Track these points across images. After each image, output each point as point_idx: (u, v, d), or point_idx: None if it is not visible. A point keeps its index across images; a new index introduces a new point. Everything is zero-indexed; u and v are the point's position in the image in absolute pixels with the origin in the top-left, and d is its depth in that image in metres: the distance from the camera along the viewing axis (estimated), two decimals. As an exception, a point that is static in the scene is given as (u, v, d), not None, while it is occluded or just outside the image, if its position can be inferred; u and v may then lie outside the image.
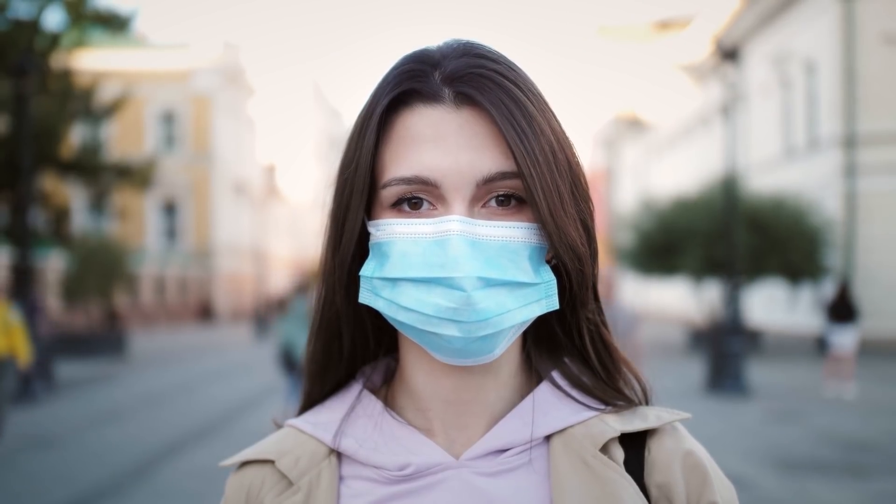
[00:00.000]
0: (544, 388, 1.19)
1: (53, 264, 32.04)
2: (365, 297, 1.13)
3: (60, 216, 30.70)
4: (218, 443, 12.34)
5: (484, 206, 1.09)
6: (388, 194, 1.10)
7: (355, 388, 1.24)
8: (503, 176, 1.08)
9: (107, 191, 32.10)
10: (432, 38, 1.21)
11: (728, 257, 19.21)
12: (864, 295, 25.60)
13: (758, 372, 19.70)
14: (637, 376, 1.24)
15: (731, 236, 18.98)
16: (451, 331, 1.06)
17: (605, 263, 47.04)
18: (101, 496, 9.54)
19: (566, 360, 1.22)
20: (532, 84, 1.14)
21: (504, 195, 1.10)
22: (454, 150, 1.08)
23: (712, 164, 35.26)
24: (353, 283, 1.17)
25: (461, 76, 1.10)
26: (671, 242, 27.13)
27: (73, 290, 29.13)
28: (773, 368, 21.70)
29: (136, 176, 30.73)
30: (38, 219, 25.45)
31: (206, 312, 53.89)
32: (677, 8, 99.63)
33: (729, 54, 19.18)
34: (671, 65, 47.20)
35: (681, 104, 47.36)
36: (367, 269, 1.13)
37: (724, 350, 17.44)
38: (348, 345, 1.23)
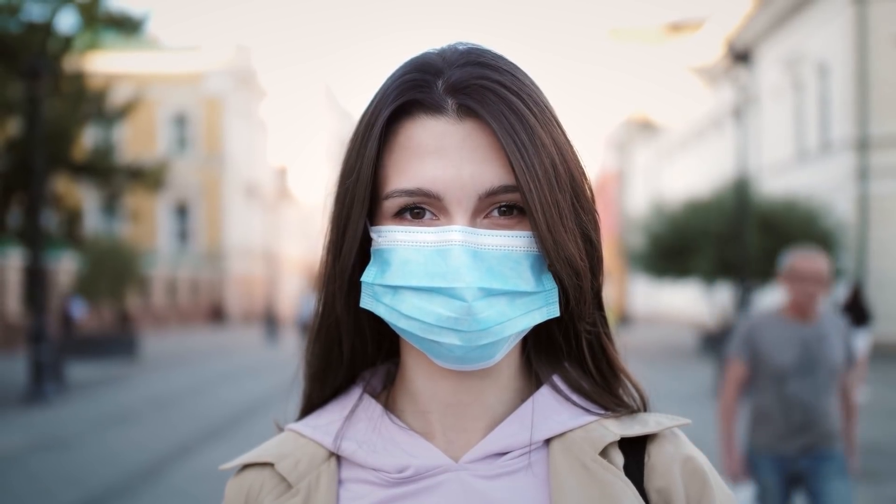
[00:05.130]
0: (544, 392, 1.20)
1: (66, 266, 32.16)
2: (366, 303, 1.14)
3: (73, 218, 30.81)
4: (227, 445, 12.36)
5: (486, 216, 1.10)
6: (391, 205, 1.11)
7: (355, 393, 1.25)
8: (505, 189, 1.08)
9: (119, 193, 32.21)
10: (442, 40, 1.20)
11: (740, 260, 19.17)
12: (877, 298, 25.49)
13: (769, 375, 19.60)
14: (635, 384, 1.24)
15: (743, 239, 18.95)
16: (451, 339, 1.07)
17: (617, 267, 47.05)
18: (110, 497, 9.57)
19: (566, 364, 1.23)
20: (536, 94, 1.14)
21: (506, 205, 1.10)
22: (457, 162, 1.08)
23: (724, 167, 35.18)
24: (353, 290, 1.17)
25: (464, 87, 1.10)
26: (683, 245, 27.08)
27: (86, 291, 29.23)
28: (785, 372, 21.59)
29: (149, 178, 30.83)
30: (51, 220, 25.56)
31: (217, 314, 54.00)
32: (689, 10, 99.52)
33: (741, 57, 19.16)
34: (683, 67, 47.12)
35: (692, 107, 47.27)
36: (368, 275, 1.13)
37: (736, 353, 17.37)
38: (348, 350, 1.23)
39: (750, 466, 5.44)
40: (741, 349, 5.43)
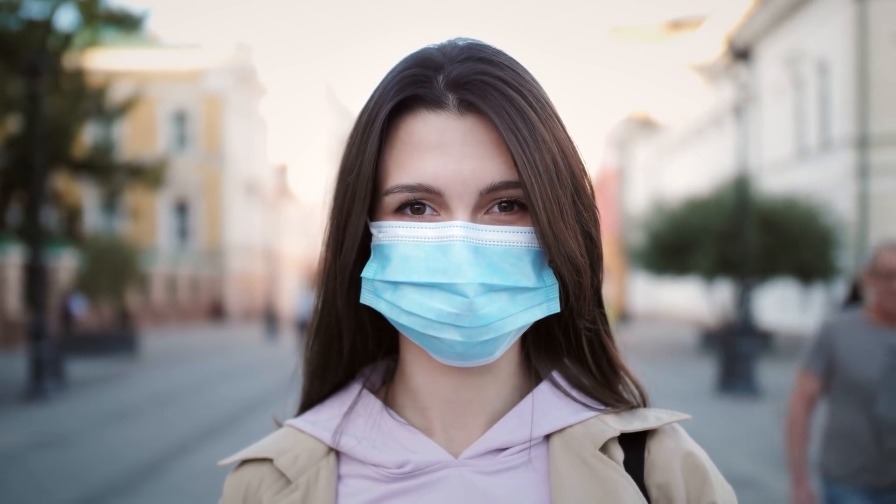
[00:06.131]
0: (544, 388, 1.20)
1: (66, 263, 32.16)
2: (366, 299, 1.14)
3: (73, 215, 30.81)
4: (227, 443, 12.36)
5: (487, 212, 1.10)
6: (391, 201, 1.11)
7: (355, 388, 1.24)
8: (507, 185, 1.08)
9: (119, 190, 32.21)
10: (442, 38, 1.19)
11: (740, 258, 19.17)
12: (877, 296, 25.44)
13: (769, 373, 19.65)
14: (635, 381, 1.24)
15: (743, 237, 18.94)
16: (452, 335, 1.07)
17: (617, 264, 47.02)
18: (110, 495, 9.57)
19: (566, 360, 1.22)
20: (537, 90, 1.13)
21: (507, 201, 1.10)
22: (458, 158, 1.08)
23: (724, 165, 35.19)
24: (353, 286, 1.17)
25: (465, 82, 1.09)
26: (683, 243, 27.07)
27: (86, 289, 29.23)
28: (785, 369, 21.59)
29: (148, 175, 30.82)
30: (51, 218, 25.54)
31: (217, 312, 53.99)
32: (689, 8, 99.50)
33: (741, 54, 19.14)
34: (683, 65, 47.10)
35: (693, 104, 47.27)
36: (368, 271, 1.13)
37: (736, 351, 17.40)
38: (348, 346, 1.23)
39: (828, 499, 4.46)
40: (813, 359, 4.45)
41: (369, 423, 1.19)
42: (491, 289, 1.06)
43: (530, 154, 1.07)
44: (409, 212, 1.10)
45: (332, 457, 1.18)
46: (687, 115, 48.74)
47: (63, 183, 33.12)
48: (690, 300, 42.35)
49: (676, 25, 58.50)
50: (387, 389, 1.24)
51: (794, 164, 32.95)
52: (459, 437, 1.17)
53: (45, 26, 25.94)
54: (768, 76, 35.29)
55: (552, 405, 1.18)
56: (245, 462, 1.22)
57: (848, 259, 26.93)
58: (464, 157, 1.08)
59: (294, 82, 76.76)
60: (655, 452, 1.16)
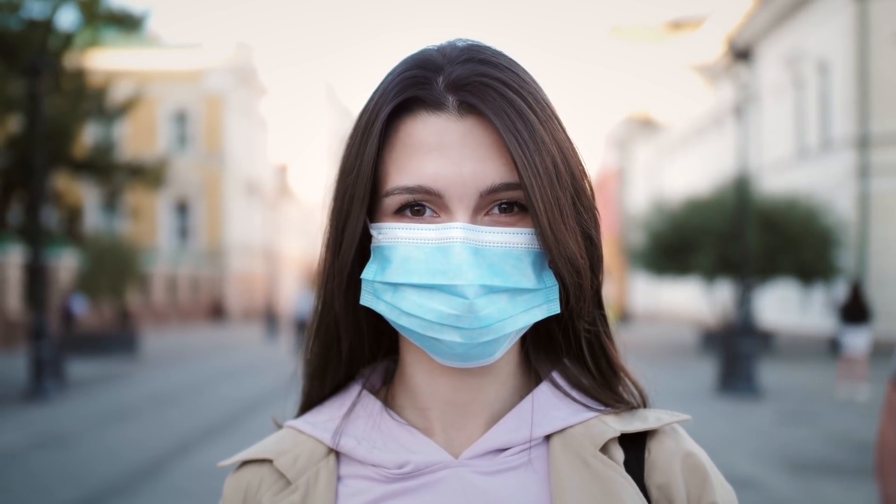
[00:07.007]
0: (544, 389, 1.20)
1: (66, 263, 32.18)
2: (366, 300, 1.14)
3: (73, 215, 30.89)
4: (227, 443, 12.36)
5: (487, 213, 1.10)
6: (391, 202, 1.11)
7: (354, 389, 1.24)
8: (507, 187, 1.08)
9: (119, 190, 32.29)
10: (443, 39, 1.19)
11: (740, 258, 19.18)
12: (877, 296, 25.51)
13: (770, 373, 19.65)
14: (635, 382, 1.24)
15: (744, 237, 18.95)
16: (452, 337, 1.07)
17: (617, 265, 47.05)
18: (111, 495, 9.57)
19: (566, 361, 1.22)
20: (537, 91, 1.13)
21: (507, 203, 1.10)
22: (458, 159, 1.08)
23: (725, 165, 35.20)
24: (352, 287, 1.17)
25: (465, 84, 1.09)
26: (683, 243, 27.10)
27: (86, 288, 29.24)
28: (786, 370, 21.64)
29: (149, 175, 30.87)
30: (52, 218, 25.57)
31: (217, 312, 54.01)
32: (690, 8, 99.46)
33: (742, 54, 19.14)
34: (684, 65, 47.12)
35: (693, 104, 47.27)
36: (368, 273, 1.13)
37: (736, 351, 17.40)
38: (347, 347, 1.23)
39: None
40: None
41: (369, 423, 1.19)
42: (491, 290, 1.06)
43: (530, 156, 1.06)
44: (409, 213, 1.10)
45: (332, 457, 1.18)
46: (687, 115, 48.76)
47: (63, 183, 33.17)
48: (691, 300, 42.37)
49: (676, 25, 58.53)
50: (386, 390, 1.24)
51: (795, 164, 32.96)
52: (459, 437, 1.17)
53: (46, 26, 25.99)
54: (768, 76, 35.30)
55: (552, 406, 1.18)
56: (245, 463, 1.22)
57: (848, 259, 26.96)
58: (463, 159, 1.08)
59: (294, 82, 76.80)
60: (656, 453, 1.16)
